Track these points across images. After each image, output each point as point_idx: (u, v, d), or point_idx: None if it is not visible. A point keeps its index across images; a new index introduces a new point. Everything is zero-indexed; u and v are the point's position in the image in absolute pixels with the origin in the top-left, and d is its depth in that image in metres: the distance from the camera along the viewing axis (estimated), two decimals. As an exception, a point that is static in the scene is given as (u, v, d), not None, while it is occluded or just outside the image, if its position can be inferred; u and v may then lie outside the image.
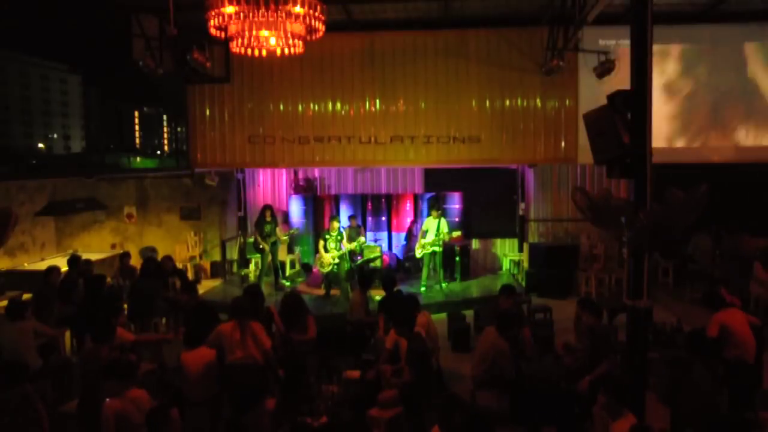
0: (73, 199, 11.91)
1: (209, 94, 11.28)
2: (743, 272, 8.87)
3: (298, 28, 6.13)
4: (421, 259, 10.63)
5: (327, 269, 10.10)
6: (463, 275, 11.34)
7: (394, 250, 12.33)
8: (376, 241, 11.92)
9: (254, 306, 5.94)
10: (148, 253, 11.35)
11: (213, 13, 5.83)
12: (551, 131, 10.85)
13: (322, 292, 10.59)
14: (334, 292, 10.21)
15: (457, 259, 11.24)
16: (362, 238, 10.57)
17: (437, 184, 12.54)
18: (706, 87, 10.75)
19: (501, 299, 6.62)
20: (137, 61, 8.82)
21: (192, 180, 12.10)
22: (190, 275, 11.95)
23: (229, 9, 5.70)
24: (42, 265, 9.17)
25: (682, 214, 4.56)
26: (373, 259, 10.91)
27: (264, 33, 6.21)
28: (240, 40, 6.27)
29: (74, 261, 8.53)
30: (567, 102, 10.77)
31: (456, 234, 10.45)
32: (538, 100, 10.82)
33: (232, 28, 6.10)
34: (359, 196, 12.50)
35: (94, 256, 10.28)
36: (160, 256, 10.17)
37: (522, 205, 12.17)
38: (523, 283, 11.13)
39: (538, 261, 11.11)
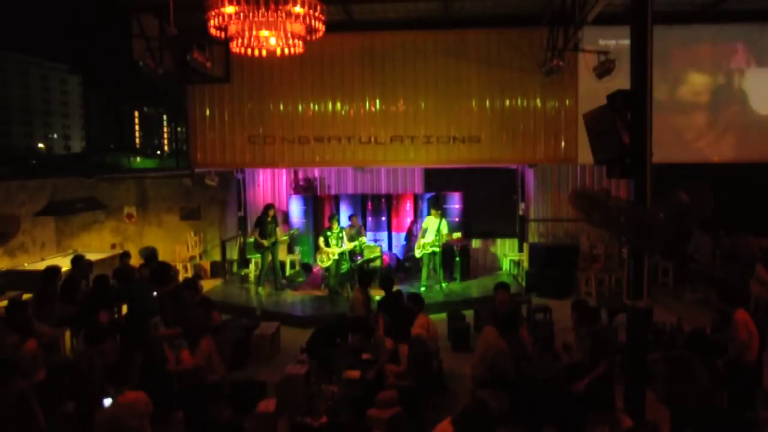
0: (73, 199, 11.90)
1: (209, 94, 11.28)
2: (743, 272, 8.86)
3: (298, 28, 6.13)
4: (421, 259, 10.65)
5: (327, 263, 10.13)
6: (463, 275, 11.35)
7: (394, 250, 12.32)
8: (376, 241, 11.92)
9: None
10: (148, 251, 11.33)
11: (213, 13, 5.82)
12: (551, 131, 10.85)
13: (322, 292, 10.62)
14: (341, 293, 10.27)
15: (457, 259, 11.25)
16: (363, 238, 10.59)
17: (437, 184, 12.53)
18: (707, 86, 10.74)
19: (499, 294, 6.63)
20: (137, 61, 8.81)
21: (192, 180, 12.09)
22: (189, 275, 11.95)
23: (229, 9, 5.69)
24: (42, 265, 9.15)
25: (686, 218, 4.55)
26: (373, 259, 10.91)
27: (264, 33, 6.20)
28: (240, 40, 6.27)
29: (78, 261, 8.51)
30: (567, 102, 10.77)
31: (456, 235, 10.45)
32: (538, 100, 10.81)
33: (232, 28, 6.09)
34: (359, 196, 12.50)
35: (94, 256, 10.27)
36: (160, 257, 10.16)
37: (522, 205, 12.17)
38: (523, 283, 11.13)
39: (538, 261, 11.11)
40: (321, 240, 10.24)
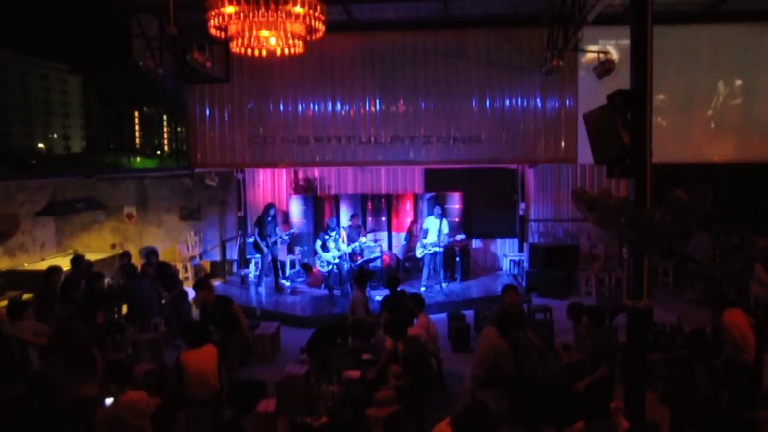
0: (73, 199, 11.89)
1: (209, 94, 11.28)
2: (743, 272, 8.87)
3: (298, 28, 6.13)
4: (422, 259, 10.65)
5: (327, 268, 10.12)
6: (463, 275, 11.34)
7: (394, 250, 12.32)
8: (376, 241, 11.92)
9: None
10: (148, 250, 11.33)
11: (213, 13, 5.83)
12: (551, 131, 10.86)
13: (322, 292, 10.62)
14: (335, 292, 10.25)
15: (457, 259, 11.24)
16: (363, 238, 10.57)
17: (437, 184, 12.53)
18: (707, 87, 10.74)
19: (508, 295, 6.60)
20: (137, 61, 8.82)
21: (192, 180, 12.09)
22: (189, 275, 11.96)
23: (229, 9, 5.70)
24: (42, 265, 9.16)
25: (685, 217, 4.55)
26: (373, 259, 10.91)
27: (264, 33, 6.21)
28: (240, 40, 6.27)
29: (77, 260, 8.51)
30: (567, 102, 10.78)
31: (460, 237, 10.43)
32: (538, 100, 10.82)
33: (232, 28, 6.09)
34: (359, 196, 12.49)
35: (94, 256, 10.28)
36: (160, 257, 10.15)
37: (522, 205, 12.17)
38: (523, 283, 11.13)
39: (538, 261, 11.10)
40: (318, 244, 10.21)
